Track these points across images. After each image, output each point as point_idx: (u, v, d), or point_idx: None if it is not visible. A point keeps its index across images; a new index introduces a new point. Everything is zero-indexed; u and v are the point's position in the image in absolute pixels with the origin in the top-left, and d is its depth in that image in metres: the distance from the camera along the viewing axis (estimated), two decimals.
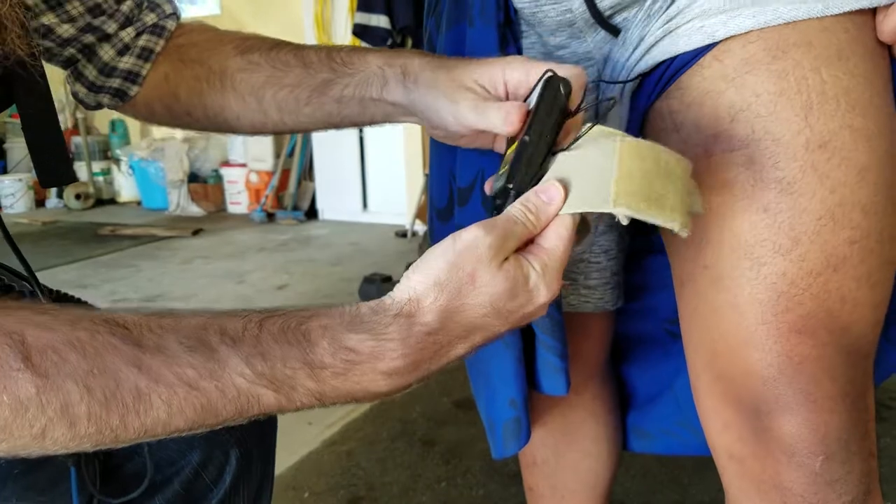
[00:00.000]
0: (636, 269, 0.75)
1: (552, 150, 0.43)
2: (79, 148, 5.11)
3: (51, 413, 0.31)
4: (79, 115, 5.05)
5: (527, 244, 0.40)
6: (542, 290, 0.39)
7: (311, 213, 4.28)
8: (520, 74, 0.48)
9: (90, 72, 0.60)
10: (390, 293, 0.38)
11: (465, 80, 0.51)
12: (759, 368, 0.47)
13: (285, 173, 4.32)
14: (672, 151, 0.40)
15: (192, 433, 0.35)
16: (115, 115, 4.74)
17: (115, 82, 0.61)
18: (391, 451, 1.49)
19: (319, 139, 4.11)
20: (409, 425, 1.60)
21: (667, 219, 0.38)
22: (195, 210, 4.57)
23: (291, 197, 4.29)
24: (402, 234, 3.67)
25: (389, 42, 3.36)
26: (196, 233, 3.93)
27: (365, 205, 4.17)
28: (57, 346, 0.32)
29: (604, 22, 0.54)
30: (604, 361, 0.78)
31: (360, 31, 3.42)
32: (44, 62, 0.52)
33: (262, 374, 0.34)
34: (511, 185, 0.41)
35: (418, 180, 3.79)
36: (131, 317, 0.34)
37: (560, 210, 0.40)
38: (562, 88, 0.44)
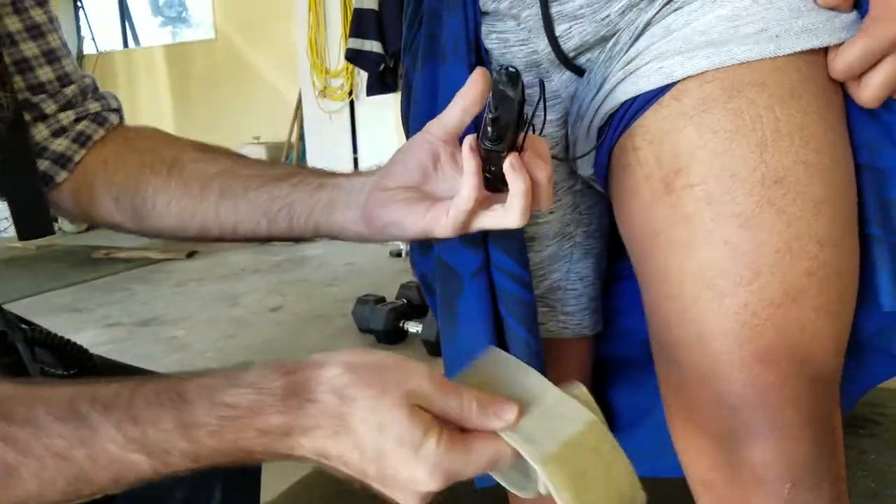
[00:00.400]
0: (611, 292, 0.76)
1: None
2: None
3: None
4: None
5: (457, 428, 0.38)
6: (424, 469, 0.35)
7: None
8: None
9: None
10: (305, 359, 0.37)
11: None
12: (726, 397, 0.48)
13: None
14: (630, 470, 0.41)
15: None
16: None
17: (44, 164, 0.56)
18: None
19: (316, 159, 4.14)
20: None
21: None
22: None
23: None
24: (397, 254, 3.68)
25: (382, 66, 3.41)
26: (190, 255, 3.94)
27: None
28: None
29: (568, 62, 0.56)
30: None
31: (352, 55, 3.46)
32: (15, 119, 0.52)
33: (133, 440, 0.34)
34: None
35: None
36: (2, 388, 0.34)
37: (500, 430, 0.38)
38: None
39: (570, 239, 0.67)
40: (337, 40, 3.89)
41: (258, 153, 3.99)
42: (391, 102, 3.69)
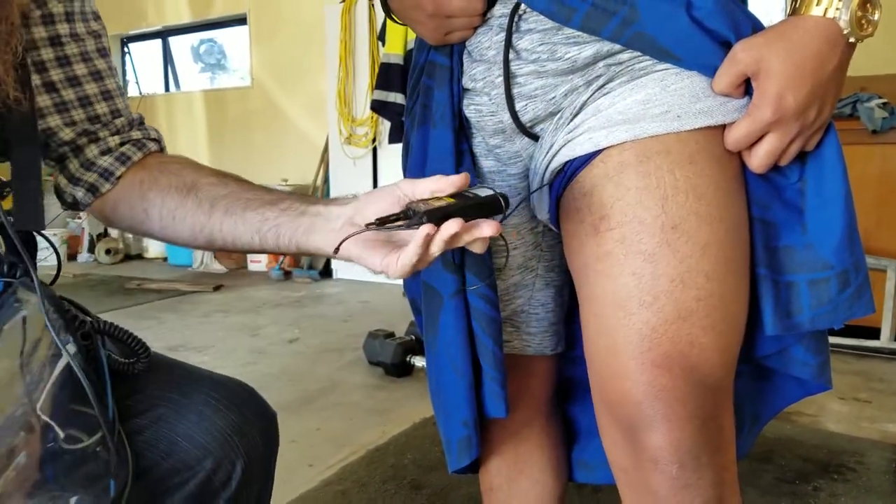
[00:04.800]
0: (577, 320, 0.90)
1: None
2: None
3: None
4: None
5: None
6: None
7: (326, 273, 4.47)
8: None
9: (73, 165, 0.72)
10: None
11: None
12: (631, 394, 0.61)
13: None
14: None
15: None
16: None
17: (92, 177, 0.71)
18: (382, 492, 1.60)
19: None
20: (400, 470, 1.71)
21: None
22: (217, 267, 4.79)
23: (308, 256, 4.50)
24: None
25: (404, 116, 3.62)
26: (217, 289, 4.13)
27: None
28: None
29: (526, 131, 0.72)
30: (550, 399, 0.92)
31: (377, 106, 3.68)
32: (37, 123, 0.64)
33: None
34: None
35: None
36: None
37: None
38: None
39: (532, 271, 0.81)
40: (364, 91, 4.13)
41: None
42: None
